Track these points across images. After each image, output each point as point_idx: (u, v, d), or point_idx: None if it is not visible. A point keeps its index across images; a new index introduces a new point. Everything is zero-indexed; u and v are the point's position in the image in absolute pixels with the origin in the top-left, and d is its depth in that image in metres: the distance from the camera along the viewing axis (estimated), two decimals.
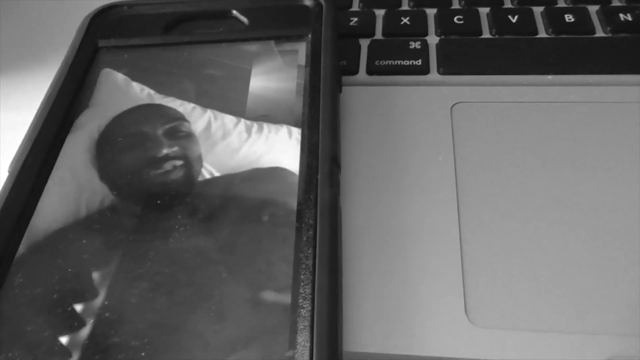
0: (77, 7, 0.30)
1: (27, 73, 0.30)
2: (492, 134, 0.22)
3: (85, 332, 0.16)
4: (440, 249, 0.19)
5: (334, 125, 0.20)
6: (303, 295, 0.16)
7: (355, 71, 0.26)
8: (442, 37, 0.27)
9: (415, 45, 0.27)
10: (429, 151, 0.22)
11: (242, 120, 0.21)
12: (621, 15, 0.27)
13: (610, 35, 0.26)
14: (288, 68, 0.23)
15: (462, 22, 0.27)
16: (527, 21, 0.27)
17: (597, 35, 0.26)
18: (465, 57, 0.26)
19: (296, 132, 0.21)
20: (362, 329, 0.18)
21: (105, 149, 0.21)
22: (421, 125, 0.23)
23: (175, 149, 0.21)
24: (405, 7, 0.29)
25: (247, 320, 0.16)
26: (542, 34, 0.27)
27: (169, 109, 0.22)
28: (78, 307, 0.17)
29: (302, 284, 0.16)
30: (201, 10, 0.26)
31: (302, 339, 0.15)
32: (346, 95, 0.25)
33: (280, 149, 0.20)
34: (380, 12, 0.29)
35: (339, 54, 0.24)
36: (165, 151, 0.21)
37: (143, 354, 0.15)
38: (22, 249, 0.18)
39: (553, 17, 0.27)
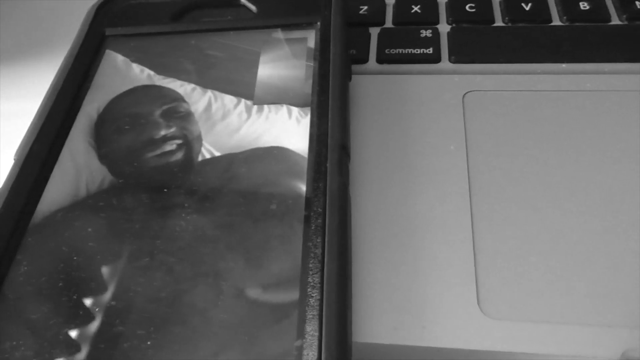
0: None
1: (33, 62, 0.30)
2: (504, 123, 0.22)
3: (91, 319, 0.16)
4: (451, 238, 0.19)
5: (344, 114, 0.20)
6: (312, 284, 0.16)
7: (365, 60, 0.26)
8: (454, 25, 0.27)
9: (426, 33, 0.26)
10: (440, 140, 0.22)
11: (242, 100, 0.21)
12: (637, 3, 0.26)
13: (626, 23, 0.26)
14: (297, 56, 0.23)
15: (474, 10, 0.27)
16: (541, 9, 0.27)
17: (612, 23, 0.26)
18: (477, 45, 0.25)
19: (296, 112, 0.20)
20: (372, 320, 0.17)
21: (105, 131, 0.21)
22: (432, 114, 0.23)
23: (174, 129, 0.21)
24: None
25: (254, 308, 0.16)
26: (556, 21, 0.26)
27: (168, 89, 0.22)
28: (84, 294, 0.16)
29: (310, 272, 0.16)
30: None
31: (311, 328, 0.15)
32: (356, 84, 0.24)
33: (282, 128, 0.20)
34: (390, 1, 0.28)
35: (348, 42, 0.23)
36: (163, 132, 0.20)
37: (149, 342, 0.15)
38: (28, 235, 0.18)
39: (567, 5, 0.26)
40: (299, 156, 0.19)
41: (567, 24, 0.26)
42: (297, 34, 0.24)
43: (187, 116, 0.21)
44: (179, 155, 0.20)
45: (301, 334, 0.15)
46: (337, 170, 0.18)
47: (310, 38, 0.23)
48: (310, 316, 0.15)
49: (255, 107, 0.21)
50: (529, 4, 0.27)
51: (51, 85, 0.22)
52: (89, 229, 0.18)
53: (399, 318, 0.17)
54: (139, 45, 0.24)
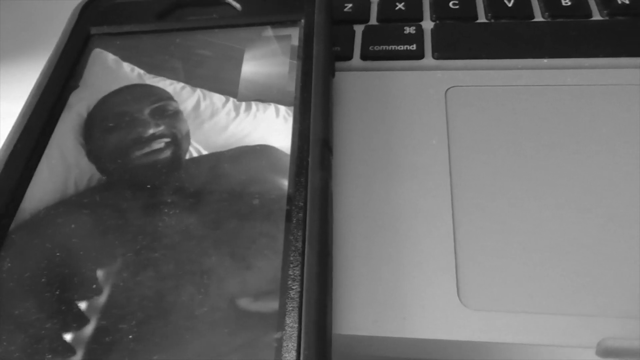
0: None
1: (23, 62, 0.30)
2: (486, 117, 0.22)
3: (74, 315, 0.16)
4: (432, 231, 0.19)
5: (326, 109, 0.20)
6: (292, 276, 0.16)
7: (349, 57, 0.26)
8: (437, 22, 0.27)
9: (410, 30, 0.26)
10: (422, 135, 0.22)
11: (231, 99, 0.21)
12: None
13: (607, 18, 0.26)
14: (281, 53, 0.23)
15: (457, 6, 0.27)
16: (523, 5, 0.27)
17: (593, 18, 0.26)
18: (460, 41, 0.26)
19: (284, 111, 0.20)
20: (353, 312, 0.18)
21: (93, 130, 0.21)
22: (415, 109, 0.23)
23: (162, 128, 0.21)
24: None
25: (236, 301, 0.16)
26: (538, 17, 0.26)
27: (157, 88, 0.22)
28: (68, 291, 0.17)
29: (291, 265, 0.16)
30: None
31: (291, 320, 0.15)
32: (340, 81, 0.24)
33: (268, 127, 0.20)
34: None
35: (332, 39, 0.24)
36: (151, 131, 0.21)
37: (131, 336, 0.15)
38: (11, 233, 0.18)
39: (549, 1, 0.27)
40: (284, 154, 0.19)
41: (548, 19, 0.26)
42: (281, 31, 0.24)
43: (176, 115, 0.21)
44: (167, 154, 0.20)
45: (281, 326, 0.15)
46: (318, 165, 0.18)
47: (294, 35, 0.23)
48: (290, 308, 0.15)
49: (243, 106, 0.21)
50: (512, 1, 0.27)
51: (36, 84, 0.22)
52: (77, 226, 0.18)
53: (379, 310, 0.17)
54: (124, 44, 0.24)
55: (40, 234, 0.18)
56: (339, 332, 0.17)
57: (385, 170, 0.21)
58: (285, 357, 0.14)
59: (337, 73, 0.25)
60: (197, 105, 0.21)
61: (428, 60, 0.25)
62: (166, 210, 0.18)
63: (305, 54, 0.22)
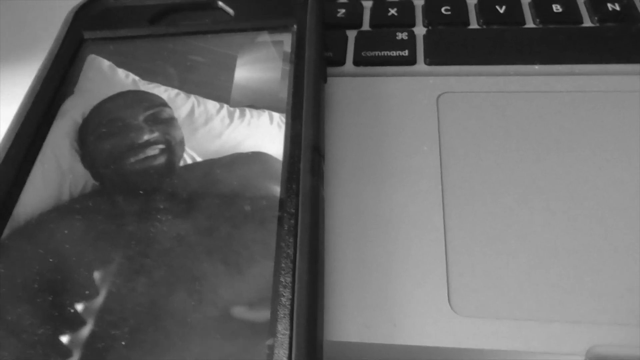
0: (67, 1, 0.29)
1: (17, 67, 0.30)
2: (477, 123, 0.22)
3: (68, 322, 0.16)
4: (423, 238, 0.19)
5: (318, 115, 0.20)
6: (283, 284, 0.16)
7: (342, 62, 0.26)
8: (430, 27, 0.27)
9: (402, 36, 0.27)
10: (414, 141, 0.22)
11: (225, 106, 0.21)
12: (609, 5, 0.27)
13: (597, 24, 0.26)
14: (273, 58, 0.23)
15: (449, 12, 0.27)
16: (515, 11, 0.27)
17: (584, 25, 0.26)
18: (452, 47, 0.26)
19: (278, 118, 0.20)
20: (344, 318, 0.18)
21: (88, 136, 0.21)
22: (407, 115, 0.23)
23: (156, 134, 0.21)
24: None
25: (227, 308, 0.16)
26: (529, 24, 0.27)
27: (151, 95, 0.22)
28: (61, 298, 0.17)
29: (282, 272, 0.16)
30: (187, 1, 0.26)
31: (282, 327, 0.15)
32: (332, 86, 0.25)
33: (262, 134, 0.20)
34: (368, 4, 0.29)
35: (324, 45, 0.24)
36: (146, 137, 0.21)
37: (123, 342, 0.15)
38: (4, 238, 0.18)
39: (541, 7, 0.27)
40: (276, 160, 0.19)
41: (540, 26, 0.26)
42: (274, 37, 0.24)
43: (170, 121, 0.21)
44: (161, 160, 0.20)
45: (273, 332, 0.15)
46: (309, 171, 0.18)
47: (287, 41, 0.24)
48: (282, 315, 0.15)
49: (237, 113, 0.21)
50: (503, 7, 0.27)
51: (29, 88, 0.22)
52: (70, 232, 0.18)
53: (370, 316, 0.18)
54: (118, 48, 0.24)
55: (34, 239, 0.18)
56: (330, 339, 0.17)
57: (376, 176, 0.21)
58: None
59: (329, 78, 0.25)
60: (192, 112, 0.21)
61: (420, 66, 0.25)
62: (159, 217, 0.18)
63: (297, 60, 0.22)
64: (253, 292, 0.16)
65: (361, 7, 0.28)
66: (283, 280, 0.16)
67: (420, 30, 0.27)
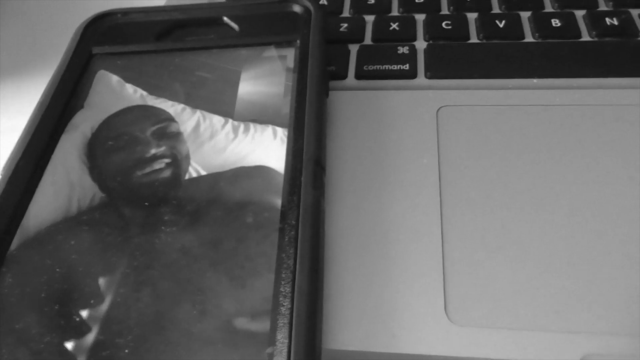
0: (76, 15, 0.30)
1: (26, 79, 0.31)
2: (476, 136, 0.23)
3: (73, 331, 0.16)
4: (422, 249, 0.20)
5: (319, 129, 0.21)
6: (283, 293, 0.16)
7: (344, 76, 0.26)
8: (430, 42, 0.28)
9: (403, 50, 0.27)
10: (414, 154, 0.22)
11: (230, 120, 0.22)
12: (607, 20, 0.27)
13: (596, 39, 0.27)
14: (277, 73, 0.24)
15: (450, 27, 0.28)
16: (514, 26, 0.27)
17: (583, 39, 0.27)
18: (452, 61, 0.26)
19: (281, 133, 0.21)
20: (343, 327, 0.18)
21: (97, 150, 0.21)
22: (407, 128, 0.23)
23: (163, 149, 0.21)
24: (395, 12, 0.30)
25: (228, 317, 0.16)
26: (529, 38, 0.27)
27: (158, 109, 0.23)
28: (67, 307, 0.17)
29: (283, 282, 0.17)
30: (193, 17, 0.26)
31: (282, 336, 0.15)
32: (335, 100, 0.25)
33: (265, 148, 0.21)
34: (370, 18, 0.29)
35: (326, 59, 0.24)
36: (153, 151, 0.21)
37: (127, 350, 0.16)
38: (12, 249, 0.18)
39: (540, 22, 0.27)
40: (278, 174, 0.20)
41: (539, 40, 0.27)
42: (277, 51, 0.25)
43: (177, 136, 0.22)
44: (167, 174, 0.21)
45: (272, 341, 0.15)
46: (311, 184, 0.19)
47: (290, 56, 0.24)
48: (281, 324, 0.16)
49: (242, 127, 0.22)
50: (503, 22, 0.28)
51: (39, 101, 0.23)
52: (78, 244, 0.19)
53: (369, 326, 0.18)
54: (125, 63, 0.25)
55: (43, 250, 0.18)
56: (329, 347, 0.18)
57: (376, 188, 0.22)
58: None
59: (332, 92, 0.25)
60: (197, 126, 0.22)
61: (421, 79, 0.26)
62: (164, 229, 0.19)
63: (300, 74, 0.23)
64: (254, 302, 0.17)
65: (363, 22, 0.29)
66: (283, 290, 0.16)
67: (421, 44, 0.28)
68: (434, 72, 0.26)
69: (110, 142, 0.22)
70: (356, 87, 0.26)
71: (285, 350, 0.15)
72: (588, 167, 0.21)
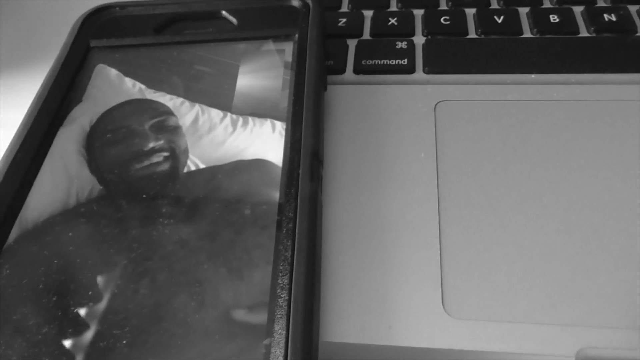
0: (74, 9, 0.30)
1: (25, 73, 0.30)
2: (474, 131, 0.23)
3: (71, 323, 0.16)
4: (419, 242, 0.20)
5: (317, 122, 0.21)
6: (281, 285, 0.16)
7: (342, 70, 0.26)
8: (429, 37, 0.28)
9: (401, 45, 0.27)
10: (411, 148, 0.22)
11: (229, 114, 0.22)
12: (605, 16, 0.27)
13: (594, 35, 0.27)
14: (275, 67, 0.24)
15: (448, 22, 0.28)
16: (513, 21, 0.28)
17: (581, 35, 0.27)
18: (451, 56, 0.26)
19: (280, 126, 0.21)
20: (340, 320, 0.18)
21: (95, 143, 0.21)
22: (405, 123, 0.23)
23: (162, 142, 0.21)
24: (393, 8, 0.30)
25: (226, 308, 0.16)
26: (527, 34, 0.27)
27: (157, 103, 0.23)
28: (64, 299, 0.17)
29: (280, 274, 0.17)
30: (192, 11, 0.26)
31: (279, 327, 0.15)
32: (333, 94, 0.25)
33: (264, 142, 0.21)
34: (368, 13, 0.29)
35: (324, 54, 0.24)
36: (151, 144, 0.21)
37: (124, 341, 0.16)
38: (10, 241, 0.18)
39: (538, 18, 0.27)
40: (276, 167, 0.20)
41: (537, 36, 0.27)
42: (276, 45, 0.25)
43: (175, 129, 0.22)
44: (165, 167, 0.21)
45: (270, 332, 0.16)
46: (308, 177, 0.19)
47: (288, 50, 0.24)
48: (279, 316, 0.16)
49: (240, 121, 0.22)
50: (502, 17, 0.28)
51: (37, 94, 0.23)
52: (75, 236, 0.19)
53: (366, 318, 0.18)
54: (123, 57, 0.25)
55: (40, 242, 0.18)
56: (326, 340, 0.18)
57: (374, 181, 0.22)
58: None
59: (330, 86, 0.25)
60: (196, 120, 0.22)
61: (419, 74, 0.26)
62: (162, 221, 0.19)
63: (298, 68, 0.23)
64: (252, 293, 0.17)
65: (362, 17, 0.29)
66: (280, 281, 0.16)
67: (419, 39, 0.28)
68: (432, 67, 0.26)
69: (108, 135, 0.22)
70: (354, 81, 0.26)
71: (282, 341, 0.15)
72: (586, 162, 0.21)
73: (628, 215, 0.20)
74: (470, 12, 0.28)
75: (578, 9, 0.28)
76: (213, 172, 0.20)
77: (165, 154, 0.21)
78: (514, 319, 0.18)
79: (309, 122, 0.20)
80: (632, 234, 0.19)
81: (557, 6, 0.28)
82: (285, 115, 0.21)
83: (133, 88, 0.24)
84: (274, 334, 0.15)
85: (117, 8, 0.27)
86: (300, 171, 0.19)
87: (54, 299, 0.17)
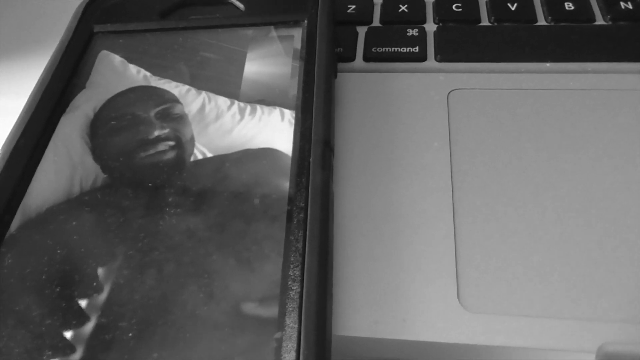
0: None
1: (26, 59, 0.30)
2: (488, 120, 0.22)
3: (75, 314, 0.16)
4: (433, 234, 0.19)
5: (328, 110, 0.20)
6: (292, 277, 0.16)
7: (352, 58, 0.26)
8: (440, 24, 0.27)
9: (412, 32, 0.26)
10: (424, 137, 0.22)
11: (236, 102, 0.21)
12: (622, 4, 0.26)
13: (610, 23, 0.26)
14: (284, 53, 0.23)
15: (460, 9, 0.27)
16: (526, 9, 0.27)
17: (597, 23, 0.26)
18: (463, 44, 0.26)
19: (289, 115, 0.20)
20: (353, 313, 0.17)
21: (99, 130, 0.21)
22: (417, 111, 0.23)
23: (167, 130, 0.21)
24: None
25: (236, 301, 0.16)
26: (541, 21, 0.26)
27: (163, 91, 0.22)
28: (68, 289, 0.17)
29: (291, 266, 0.16)
30: None
31: (291, 320, 0.15)
32: (342, 82, 0.24)
33: (273, 130, 0.20)
34: (378, 0, 0.29)
35: (334, 40, 0.24)
36: (156, 133, 0.21)
37: (131, 334, 0.15)
38: (12, 229, 0.18)
39: (553, 5, 0.27)
40: (286, 155, 0.19)
41: (551, 23, 0.26)
42: (284, 31, 0.24)
43: (181, 117, 0.21)
44: (171, 155, 0.20)
45: (281, 326, 0.15)
46: (319, 166, 0.18)
47: (297, 36, 0.24)
48: (290, 309, 0.15)
49: (248, 109, 0.21)
50: (515, 4, 0.27)
51: (39, 80, 0.22)
52: (79, 225, 0.18)
53: (379, 312, 0.17)
54: (127, 42, 0.24)
55: (43, 230, 0.18)
56: (339, 333, 0.17)
57: (386, 171, 0.21)
58: (285, 357, 0.14)
59: (339, 74, 0.25)
60: (202, 107, 0.21)
61: (430, 62, 0.25)
62: (168, 210, 0.18)
63: (307, 55, 0.22)
64: (262, 285, 0.16)
65: (372, 4, 0.28)
66: (292, 273, 0.16)
67: (430, 26, 0.27)
68: (444, 55, 0.25)
69: (113, 123, 0.21)
70: (364, 69, 0.25)
71: (294, 335, 0.15)
72: (603, 151, 0.21)
73: None
74: None
75: None
76: (221, 161, 0.20)
77: (171, 142, 0.20)
78: (532, 313, 0.17)
79: (320, 110, 0.20)
80: None
81: None
82: (295, 103, 0.21)
83: (138, 75, 0.23)
84: (286, 328, 0.15)
85: None
86: (311, 160, 0.18)
87: (58, 289, 0.16)
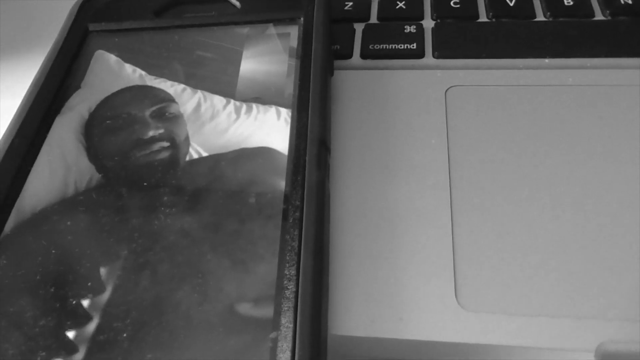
0: None
1: (19, 59, 0.30)
2: (486, 117, 0.22)
3: (69, 315, 0.16)
4: (431, 232, 0.19)
5: (324, 108, 0.20)
6: (288, 276, 0.16)
7: (349, 55, 0.26)
8: (438, 21, 0.27)
9: (410, 29, 0.26)
10: (422, 134, 0.22)
11: (232, 101, 0.21)
12: None
13: (609, 18, 0.26)
14: (280, 51, 0.23)
15: (458, 5, 0.27)
16: (525, 4, 0.27)
17: (596, 18, 0.26)
18: (461, 40, 0.25)
19: (285, 113, 0.20)
20: (349, 312, 0.17)
21: (94, 130, 0.21)
22: (415, 108, 0.23)
23: (162, 130, 0.21)
24: None
25: (231, 301, 0.16)
26: (540, 17, 0.26)
27: (158, 90, 0.22)
28: (63, 290, 0.16)
29: (287, 265, 0.16)
30: None
31: (286, 320, 0.15)
32: (340, 79, 0.24)
33: (269, 129, 0.20)
34: None
35: (331, 38, 0.23)
36: (151, 133, 0.20)
37: (125, 335, 0.15)
38: (7, 230, 0.18)
39: (551, 1, 0.26)
40: (282, 154, 0.19)
41: (550, 19, 0.26)
42: (280, 29, 0.24)
43: (176, 117, 0.21)
44: (166, 155, 0.20)
45: (276, 326, 0.15)
46: (315, 164, 0.18)
47: (294, 34, 0.23)
48: (286, 308, 0.15)
49: (244, 108, 0.21)
50: (513, 0, 0.27)
51: (34, 80, 0.22)
52: (74, 225, 0.18)
53: (376, 311, 0.17)
54: (123, 41, 0.24)
55: (38, 231, 0.18)
56: (335, 333, 0.17)
57: (383, 169, 0.21)
58: (280, 357, 0.14)
59: (337, 71, 0.24)
60: (198, 107, 0.21)
61: (428, 59, 0.25)
62: (163, 210, 0.18)
63: (304, 53, 0.22)
64: (258, 285, 0.16)
65: (369, 0, 0.28)
66: (287, 272, 0.16)
67: (428, 23, 0.27)
68: (442, 51, 0.25)
69: (108, 122, 0.21)
70: (361, 66, 0.25)
71: (289, 335, 0.14)
72: (602, 148, 0.21)
73: None
74: None
75: None
76: (216, 161, 0.20)
77: (167, 141, 0.20)
78: (531, 312, 0.17)
79: (316, 109, 0.20)
80: None
81: None
82: (291, 101, 0.21)
83: (133, 74, 0.23)
84: (281, 327, 0.15)
85: None
86: (307, 159, 0.18)
87: (52, 290, 0.16)
